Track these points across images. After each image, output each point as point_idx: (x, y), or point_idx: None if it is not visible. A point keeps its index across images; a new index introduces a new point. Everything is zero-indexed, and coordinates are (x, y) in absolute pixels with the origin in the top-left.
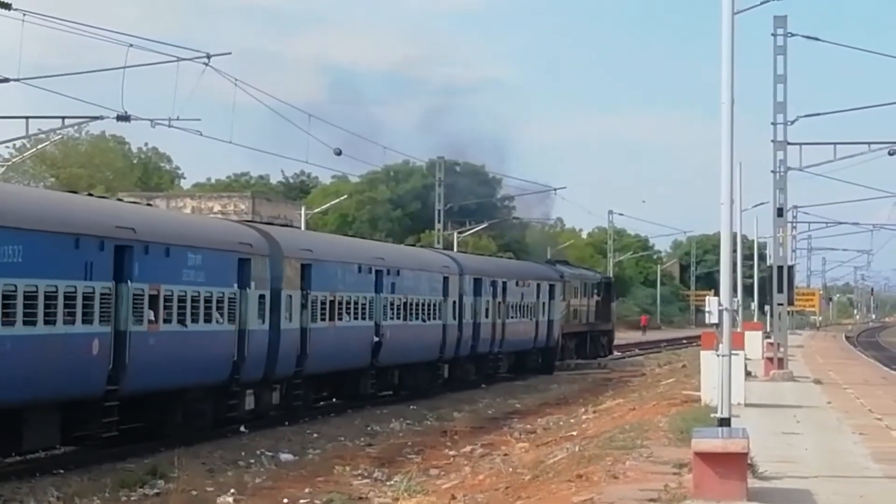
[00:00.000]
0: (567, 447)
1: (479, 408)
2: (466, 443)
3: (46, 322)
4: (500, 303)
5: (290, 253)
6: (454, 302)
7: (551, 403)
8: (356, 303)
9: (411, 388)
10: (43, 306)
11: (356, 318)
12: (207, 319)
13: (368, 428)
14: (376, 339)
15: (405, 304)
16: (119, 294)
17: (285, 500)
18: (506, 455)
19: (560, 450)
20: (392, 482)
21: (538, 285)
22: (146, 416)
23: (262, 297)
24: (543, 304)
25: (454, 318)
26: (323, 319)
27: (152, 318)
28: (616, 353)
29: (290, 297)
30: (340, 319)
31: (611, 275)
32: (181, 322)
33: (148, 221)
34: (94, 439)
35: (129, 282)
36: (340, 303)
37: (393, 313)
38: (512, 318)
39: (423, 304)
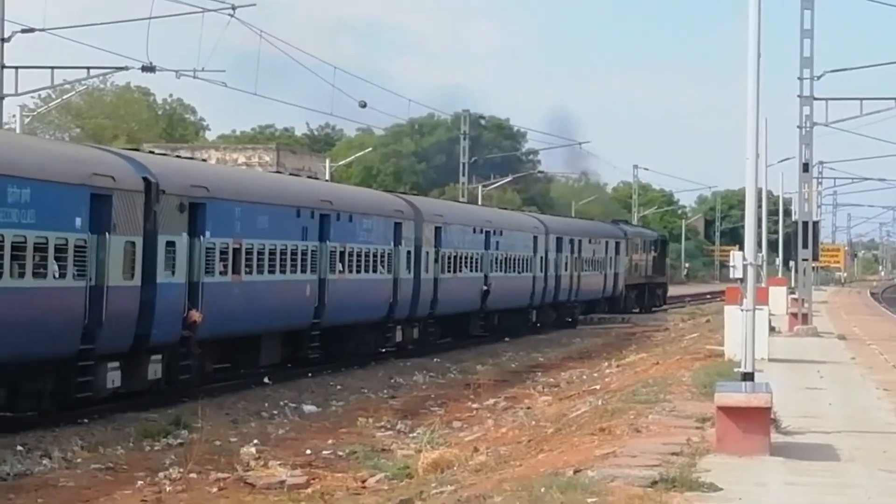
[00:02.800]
0: (590, 401)
1: (503, 361)
2: (489, 396)
3: (281, 271)
4: (576, 258)
5: (428, 218)
6: (541, 257)
7: (574, 357)
8: (471, 258)
9: (507, 331)
10: (279, 260)
11: (471, 271)
12: (374, 270)
13: (392, 380)
14: (485, 287)
15: (506, 258)
16: (321, 251)
17: (308, 451)
18: (528, 408)
19: (583, 403)
20: (415, 434)
21: (606, 242)
22: (333, 344)
23: (409, 252)
24: (611, 258)
25: (541, 271)
26: (450, 271)
27: (340, 269)
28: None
29: (427, 253)
30: (460, 271)
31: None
32: (358, 271)
33: (339, 196)
34: (303, 360)
35: (327, 241)
36: (461, 258)
37: (497, 267)
38: (585, 271)
39: (519, 259)
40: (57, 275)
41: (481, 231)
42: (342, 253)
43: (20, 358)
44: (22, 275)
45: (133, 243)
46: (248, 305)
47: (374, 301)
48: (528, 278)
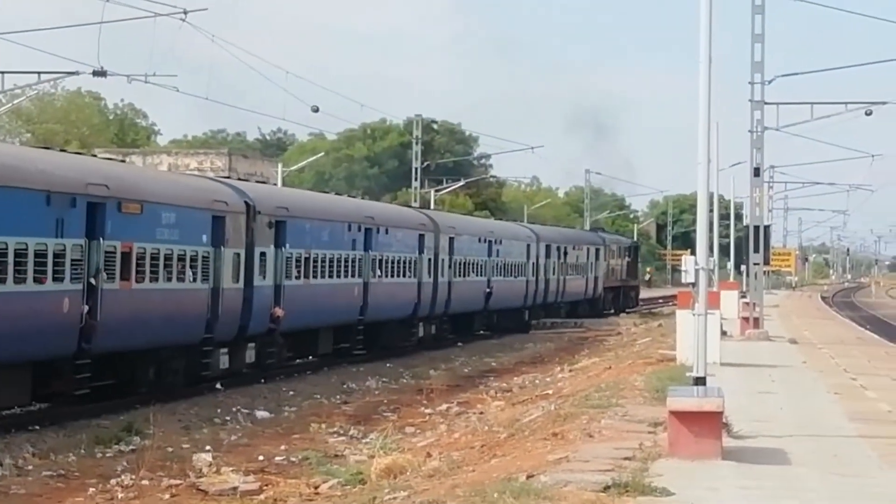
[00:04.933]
0: (542, 406)
1: (455, 366)
2: (442, 401)
3: (338, 276)
4: (562, 263)
5: (444, 230)
6: (533, 263)
7: (527, 362)
8: (477, 264)
9: (504, 329)
10: (336, 266)
11: (477, 275)
12: (404, 275)
13: (344, 385)
14: (488, 290)
15: (505, 264)
16: (366, 259)
17: (261, 457)
18: (481, 413)
19: (535, 408)
20: (368, 440)
21: (587, 249)
22: (372, 338)
23: (429, 259)
24: (591, 264)
25: (533, 276)
26: (461, 276)
27: (380, 274)
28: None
29: (443, 260)
30: (469, 276)
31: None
32: (392, 276)
33: (379, 212)
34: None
35: (370, 251)
36: (469, 264)
37: (497, 272)
38: (570, 275)
39: (515, 265)
40: (191, 279)
41: (485, 241)
42: (380, 260)
43: (166, 343)
44: (169, 279)
45: (238, 254)
46: (314, 304)
47: (404, 301)
48: (522, 282)
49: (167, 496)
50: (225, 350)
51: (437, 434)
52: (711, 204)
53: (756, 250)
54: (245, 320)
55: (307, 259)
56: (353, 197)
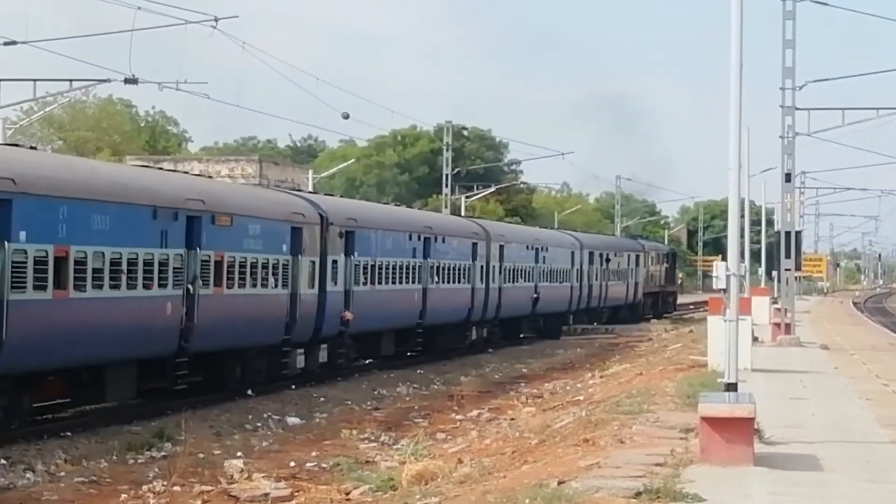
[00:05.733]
0: (573, 412)
1: (486, 372)
2: (473, 407)
3: (400, 282)
4: (604, 270)
5: (495, 238)
6: (577, 269)
7: (558, 368)
8: (525, 270)
9: (548, 333)
10: (399, 273)
11: (525, 281)
12: (459, 281)
13: (375, 392)
14: (535, 295)
15: (551, 270)
16: (424, 266)
17: (292, 464)
18: (512, 419)
19: (566, 414)
20: (399, 446)
21: (628, 255)
22: (429, 341)
23: (482, 266)
24: (632, 270)
25: (577, 281)
26: (510, 282)
27: (437, 280)
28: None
29: (494, 266)
30: (517, 282)
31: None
32: (448, 282)
33: (437, 222)
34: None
35: (428, 259)
36: (518, 270)
37: (543, 278)
38: (612, 281)
39: (560, 271)
40: (273, 285)
41: (533, 248)
42: (438, 267)
43: (252, 344)
44: (255, 285)
45: (314, 262)
46: (379, 308)
47: (459, 306)
48: (567, 287)
49: (199, 502)
50: (301, 350)
51: (469, 440)
52: (742, 210)
53: (787, 256)
54: (319, 323)
55: (373, 266)
56: (385, 204)
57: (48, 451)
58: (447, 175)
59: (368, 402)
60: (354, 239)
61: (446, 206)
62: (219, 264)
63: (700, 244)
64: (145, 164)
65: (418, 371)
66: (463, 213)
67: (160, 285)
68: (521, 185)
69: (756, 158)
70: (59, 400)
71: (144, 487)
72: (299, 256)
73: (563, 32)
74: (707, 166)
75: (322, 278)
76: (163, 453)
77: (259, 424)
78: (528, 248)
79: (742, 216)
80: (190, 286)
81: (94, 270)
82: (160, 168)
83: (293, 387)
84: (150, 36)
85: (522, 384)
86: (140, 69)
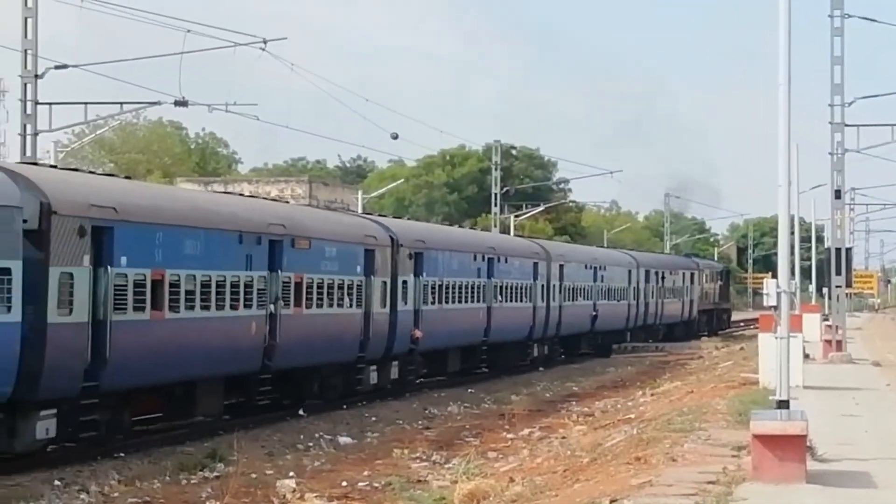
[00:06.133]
0: (625, 430)
1: (537, 391)
2: (524, 426)
3: (466, 301)
4: (660, 287)
5: (555, 258)
6: (634, 287)
7: (608, 386)
8: (584, 289)
9: (604, 349)
10: (465, 292)
11: (584, 300)
12: (521, 300)
13: (426, 411)
14: (594, 313)
15: (609, 289)
16: (489, 286)
17: (344, 483)
18: (564, 438)
19: (618, 432)
20: (450, 465)
21: (683, 273)
22: (494, 358)
23: (542, 286)
24: (687, 287)
25: (634, 299)
26: (570, 300)
27: (501, 299)
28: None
29: (554, 286)
30: (577, 300)
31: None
32: (510, 301)
33: (499, 243)
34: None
35: (492, 278)
36: (577, 289)
37: (601, 296)
38: (668, 298)
39: (618, 290)
40: (348, 305)
41: (591, 267)
42: (501, 287)
43: (329, 361)
44: (331, 305)
45: (385, 282)
46: (446, 326)
47: (521, 324)
48: (625, 305)
49: None
50: (374, 367)
51: (520, 459)
52: (792, 227)
53: (838, 273)
54: (391, 341)
55: (440, 286)
56: (434, 223)
57: (102, 472)
58: (496, 194)
59: (420, 421)
60: (423, 260)
61: (495, 226)
62: (298, 285)
63: (750, 261)
64: (194, 186)
65: (469, 390)
66: (512, 233)
67: (245, 306)
68: (570, 204)
69: (806, 175)
70: (153, 415)
71: None
72: (372, 277)
73: (607, 50)
74: (756, 183)
75: (393, 298)
76: (215, 474)
77: (311, 444)
78: (586, 267)
79: (792, 233)
80: (272, 306)
81: (187, 292)
82: (228, 192)
83: (344, 406)
84: (200, 58)
85: (573, 402)
86: (190, 91)
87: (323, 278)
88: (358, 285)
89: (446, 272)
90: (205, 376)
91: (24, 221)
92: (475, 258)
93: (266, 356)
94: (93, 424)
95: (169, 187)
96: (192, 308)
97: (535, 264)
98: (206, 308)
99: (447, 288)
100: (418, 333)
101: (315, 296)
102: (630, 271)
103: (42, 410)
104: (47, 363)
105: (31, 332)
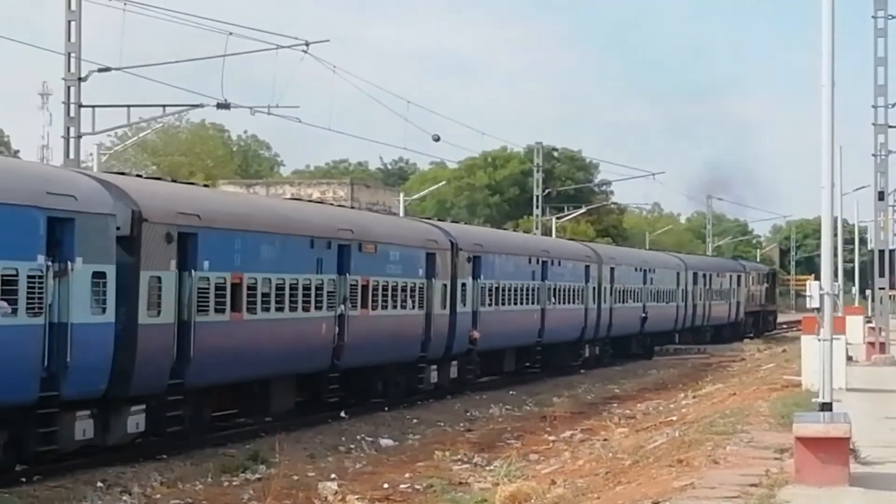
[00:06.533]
0: (667, 432)
1: (579, 393)
2: (566, 428)
3: (519, 303)
4: (708, 290)
5: (606, 261)
6: (682, 290)
7: (650, 388)
8: (634, 291)
9: (653, 351)
10: (520, 294)
11: (634, 302)
12: (573, 301)
13: (468, 413)
14: (643, 315)
15: (658, 291)
16: (542, 288)
17: (386, 485)
18: (605, 440)
19: (660, 435)
20: (492, 467)
21: (730, 276)
22: (546, 358)
23: (594, 288)
24: (733, 290)
25: (682, 301)
26: (620, 302)
27: (554, 301)
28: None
29: (605, 288)
30: (627, 302)
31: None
32: (563, 303)
33: (553, 246)
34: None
35: (546, 280)
36: (627, 291)
37: (651, 298)
38: (715, 300)
39: (666, 292)
40: (411, 306)
41: (641, 270)
42: (554, 289)
43: (393, 360)
44: (395, 306)
45: (445, 285)
46: (503, 328)
47: (574, 325)
48: (673, 307)
49: None
50: (434, 367)
51: (562, 461)
52: (835, 228)
53: (881, 274)
54: (450, 341)
55: (497, 288)
56: (476, 225)
57: (144, 473)
58: (538, 196)
59: (461, 424)
60: (481, 263)
61: (537, 228)
62: (365, 288)
63: (792, 263)
64: (237, 188)
65: (511, 392)
66: (554, 235)
67: (316, 308)
68: (612, 206)
69: (848, 176)
70: (229, 411)
71: None
72: (433, 280)
73: (648, 46)
74: (799, 185)
75: (453, 300)
76: (257, 475)
77: (352, 446)
78: (636, 269)
79: (835, 235)
80: (341, 308)
81: (263, 295)
82: (254, 192)
83: (386, 409)
84: (242, 61)
85: (615, 405)
86: (232, 94)
87: (388, 281)
88: (420, 288)
89: (503, 275)
90: (279, 374)
91: (118, 228)
92: (530, 261)
93: (335, 355)
94: (177, 419)
95: (246, 195)
96: (267, 310)
97: (587, 267)
98: (281, 310)
99: (503, 290)
100: (476, 334)
101: (380, 298)
102: (678, 273)
103: (133, 406)
104: (138, 361)
105: (124, 332)
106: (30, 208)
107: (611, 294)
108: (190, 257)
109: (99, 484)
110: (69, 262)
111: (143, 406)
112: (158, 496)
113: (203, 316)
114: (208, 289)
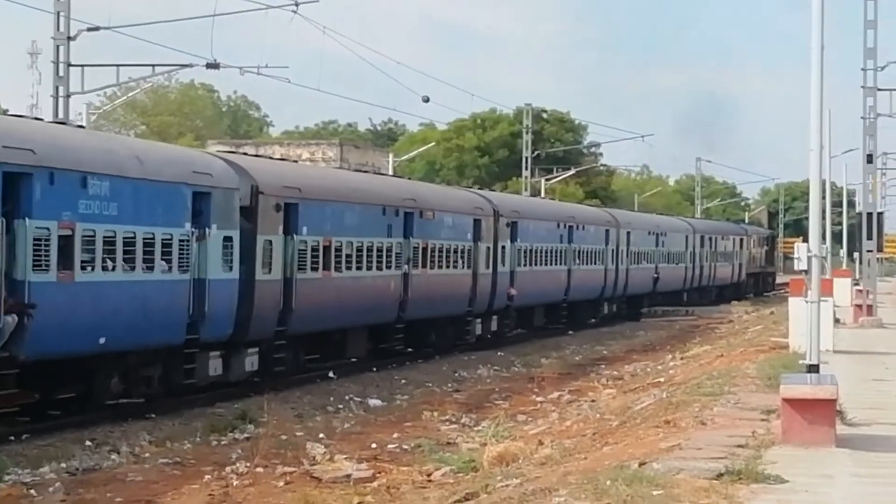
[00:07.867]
0: (654, 393)
1: (566, 354)
2: (553, 389)
3: (551, 263)
4: (713, 252)
5: (623, 225)
6: (690, 252)
7: (638, 350)
8: (647, 253)
9: (666, 308)
10: (550, 255)
11: (647, 263)
12: (595, 262)
13: (456, 374)
14: (655, 276)
15: (668, 253)
16: (569, 250)
17: (374, 445)
18: (593, 401)
19: (647, 396)
20: (480, 428)
21: (733, 239)
22: (572, 315)
23: (612, 250)
24: (736, 252)
25: (690, 262)
26: (635, 263)
27: (579, 262)
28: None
29: (622, 250)
30: (641, 263)
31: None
32: (587, 264)
33: (579, 212)
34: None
35: (572, 243)
36: (642, 253)
37: (663, 259)
38: (719, 262)
39: (676, 254)
40: (461, 266)
41: (653, 233)
42: (579, 251)
43: (445, 314)
44: (448, 266)
45: (489, 247)
46: (535, 286)
47: (595, 284)
48: (682, 268)
49: (281, 483)
50: (479, 320)
51: (549, 422)
52: (824, 191)
53: (869, 237)
54: (492, 298)
55: (530, 250)
56: (466, 187)
57: (133, 432)
58: (527, 158)
59: (449, 385)
60: (517, 228)
61: (526, 189)
62: (424, 250)
63: (781, 226)
64: (226, 148)
65: (499, 353)
66: (542, 196)
67: (387, 267)
68: (601, 168)
69: (837, 140)
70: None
71: (227, 469)
72: (479, 243)
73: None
74: (787, 148)
75: (495, 261)
76: (245, 435)
77: (341, 406)
78: (649, 233)
79: (823, 198)
80: (406, 267)
81: (347, 256)
82: (244, 153)
83: (374, 369)
84: (232, 21)
85: (602, 366)
86: (222, 54)
87: (443, 244)
88: (468, 250)
89: (535, 238)
90: (356, 324)
91: (241, 200)
92: (558, 226)
93: (401, 309)
94: (280, 361)
95: (333, 170)
96: (350, 269)
97: (607, 231)
98: (360, 269)
99: (536, 252)
100: (513, 291)
101: (437, 258)
102: (687, 237)
103: (249, 349)
104: (255, 311)
105: (245, 286)
106: (181, 185)
107: (627, 256)
108: (292, 224)
109: (87, 443)
110: (207, 229)
111: (257, 349)
112: (147, 455)
113: (302, 273)
114: (306, 250)
